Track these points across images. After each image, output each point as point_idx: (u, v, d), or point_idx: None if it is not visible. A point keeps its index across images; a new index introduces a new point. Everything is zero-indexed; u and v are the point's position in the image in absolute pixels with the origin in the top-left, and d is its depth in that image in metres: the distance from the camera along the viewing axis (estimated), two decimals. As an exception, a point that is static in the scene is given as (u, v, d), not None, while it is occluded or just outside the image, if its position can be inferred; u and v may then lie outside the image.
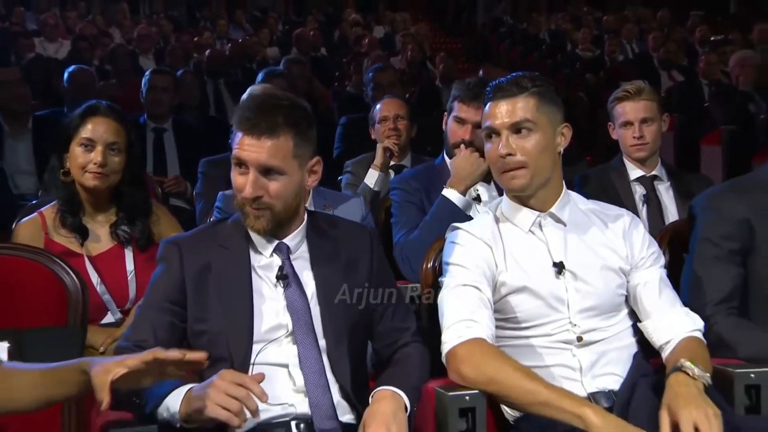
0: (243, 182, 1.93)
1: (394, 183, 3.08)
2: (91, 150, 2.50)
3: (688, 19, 10.90)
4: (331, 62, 8.86)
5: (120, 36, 9.07)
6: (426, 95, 6.67)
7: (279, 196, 1.94)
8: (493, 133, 2.09)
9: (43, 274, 2.00)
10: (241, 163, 1.93)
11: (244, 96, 3.21)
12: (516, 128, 2.06)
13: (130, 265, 2.59)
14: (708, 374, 1.93)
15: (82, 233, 2.55)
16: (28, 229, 2.52)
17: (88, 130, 2.51)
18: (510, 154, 2.05)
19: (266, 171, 1.92)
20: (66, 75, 4.98)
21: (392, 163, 3.65)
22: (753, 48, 8.34)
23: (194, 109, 5.38)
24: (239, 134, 1.95)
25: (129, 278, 2.57)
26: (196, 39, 8.76)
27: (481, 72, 6.04)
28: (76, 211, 2.55)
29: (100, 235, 2.59)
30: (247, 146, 1.92)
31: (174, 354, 1.51)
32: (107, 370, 1.44)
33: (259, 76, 4.49)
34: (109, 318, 2.52)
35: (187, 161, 4.40)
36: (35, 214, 2.57)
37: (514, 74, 2.16)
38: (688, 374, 1.92)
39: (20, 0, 10.01)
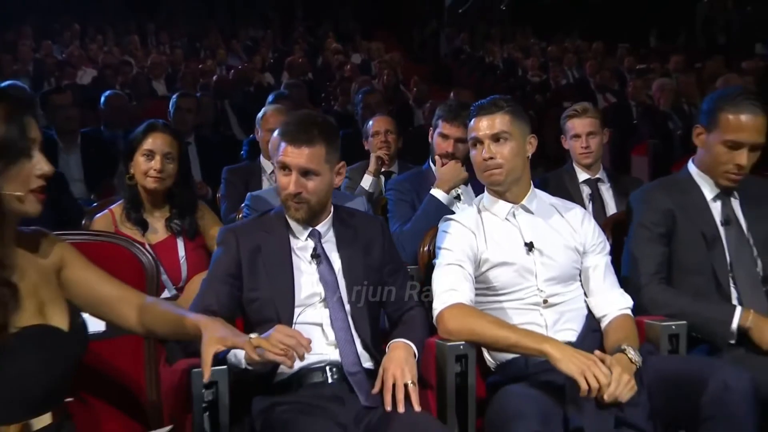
0: (287, 182, 2.07)
1: (390, 185, 3.20)
2: (151, 159, 2.65)
3: (617, 51, 10.91)
4: (317, 85, 8.85)
5: (134, 64, 9.07)
6: (402, 114, 6.69)
7: (314, 192, 2.08)
8: (477, 142, 2.25)
9: (126, 255, 2.12)
10: (286, 167, 2.06)
11: (280, 116, 3.31)
12: (495, 138, 2.22)
13: (181, 252, 2.72)
14: (641, 358, 2.05)
15: (143, 226, 2.69)
16: (101, 223, 2.66)
17: (149, 143, 2.65)
18: (491, 158, 2.22)
19: (305, 173, 2.06)
20: (103, 99, 5.02)
21: (383, 169, 3.74)
22: (670, 76, 8.39)
23: (210, 125, 5.50)
24: (283, 144, 2.07)
25: (181, 262, 2.70)
26: (201, 66, 8.75)
27: (452, 94, 6.14)
28: (138, 208, 2.70)
29: (158, 227, 2.72)
30: (290, 153, 2.05)
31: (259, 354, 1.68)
32: (210, 344, 1.60)
33: (270, 98, 4.64)
34: (166, 294, 2.63)
35: (208, 169, 4.52)
36: (106, 210, 2.72)
37: (492, 97, 2.32)
38: (628, 355, 2.04)
39: (46, 34, 9.96)
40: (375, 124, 3.83)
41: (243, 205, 3.06)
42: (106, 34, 10.68)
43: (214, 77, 7.51)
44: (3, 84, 4.86)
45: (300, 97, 5.59)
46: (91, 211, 2.93)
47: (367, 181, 3.67)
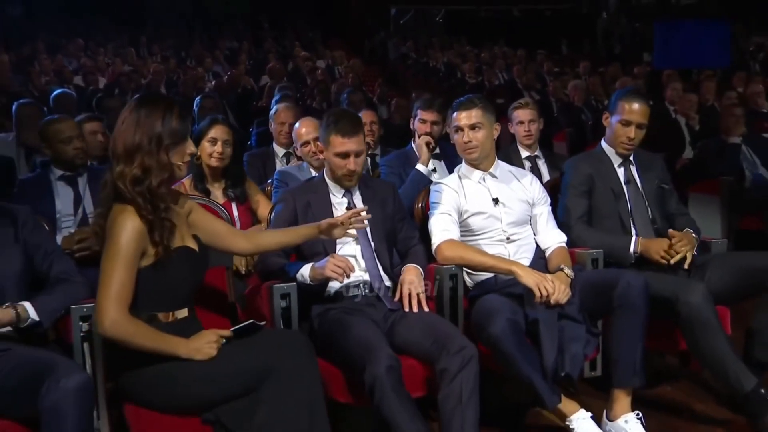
0: (346, 163, 2.44)
1: (383, 162, 3.54)
2: (214, 144, 2.99)
3: (537, 57, 11.31)
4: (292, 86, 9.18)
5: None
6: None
7: (361, 165, 2.48)
8: (459, 129, 2.65)
9: (211, 211, 2.42)
10: (347, 155, 2.43)
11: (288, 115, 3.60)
12: (472, 126, 2.62)
13: (236, 213, 3.03)
14: (573, 273, 2.44)
15: (207, 194, 3.01)
16: None
17: (212, 132, 2.99)
18: (470, 141, 2.63)
19: (357, 154, 2.45)
20: (133, 102, 5.31)
21: (369, 151, 3.98)
22: (580, 78, 8.79)
23: (220, 120, 5.81)
24: (341, 138, 2.41)
25: (236, 220, 3.00)
26: (194, 73, 8.92)
27: (413, 94, 6.53)
28: (203, 180, 3.04)
29: (217, 195, 3.05)
30: (349, 143, 2.42)
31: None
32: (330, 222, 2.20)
33: (277, 97, 5.00)
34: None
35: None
36: (179, 183, 2.97)
37: (468, 95, 2.71)
38: (565, 273, 2.46)
39: (56, 49, 10.03)
40: (363, 117, 4.07)
41: (274, 179, 3.39)
42: (106, 47, 10.73)
43: (213, 82, 7.74)
44: (56, 92, 5.10)
45: (294, 96, 5.95)
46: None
47: None
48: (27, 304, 2.01)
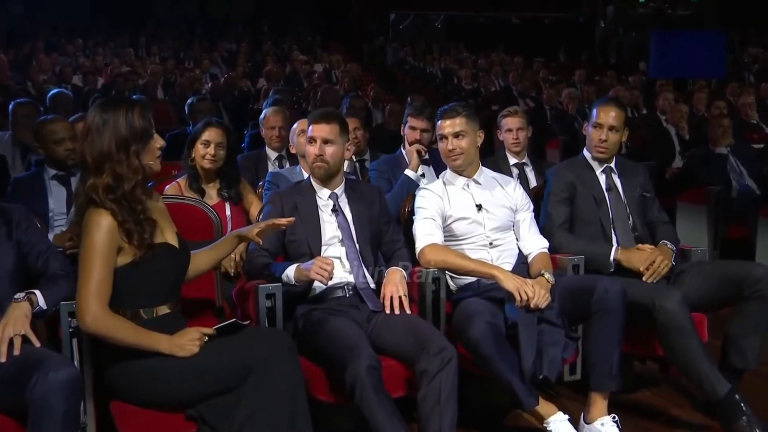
0: (314, 149, 2.52)
1: (373, 166, 3.58)
2: (208, 146, 3.05)
3: (533, 64, 11.35)
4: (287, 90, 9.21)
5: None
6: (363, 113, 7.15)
7: (331, 156, 2.52)
8: (443, 137, 2.70)
9: (201, 213, 2.58)
10: (313, 139, 2.53)
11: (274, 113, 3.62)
12: (456, 135, 2.67)
13: (228, 212, 3.09)
14: (554, 279, 2.47)
15: (202, 193, 3.07)
16: (171, 190, 3.04)
17: (206, 135, 3.04)
18: (453, 149, 2.68)
19: (325, 141, 2.51)
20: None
21: (356, 157, 4.00)
22: (575, 86, 8.84)
23: (215, 122, 5.88)
24: (311, 125, 2.53)
25: (228, 220, 3.06)
26: (191, 74, 8.98)
27: (409, 99, 6.54)
28: (197, 180, 3.09)
29: (212, 194, 3.11)
30: (315, 129, 2.52)
31: (278, 222, 2.24)
32: (250, 230, 2.17)
33: (270, 100, 5.07)
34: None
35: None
36: (174, 182, 3.10)
37: (452, 103, 2.76)
38: (545, 278, 2.47)
39: (54, 48, 10.11)
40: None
41: (266, 180, 3.42)
42: (105, 47, 10.78)
43: (209, 84, 7.79)
44: (53, 91, 5.15)
45: (288, 99, 6.01)
46: (168, 182, 3.24)
47: (345, 165, 4.06)
48: (38, 292, 2.05)
